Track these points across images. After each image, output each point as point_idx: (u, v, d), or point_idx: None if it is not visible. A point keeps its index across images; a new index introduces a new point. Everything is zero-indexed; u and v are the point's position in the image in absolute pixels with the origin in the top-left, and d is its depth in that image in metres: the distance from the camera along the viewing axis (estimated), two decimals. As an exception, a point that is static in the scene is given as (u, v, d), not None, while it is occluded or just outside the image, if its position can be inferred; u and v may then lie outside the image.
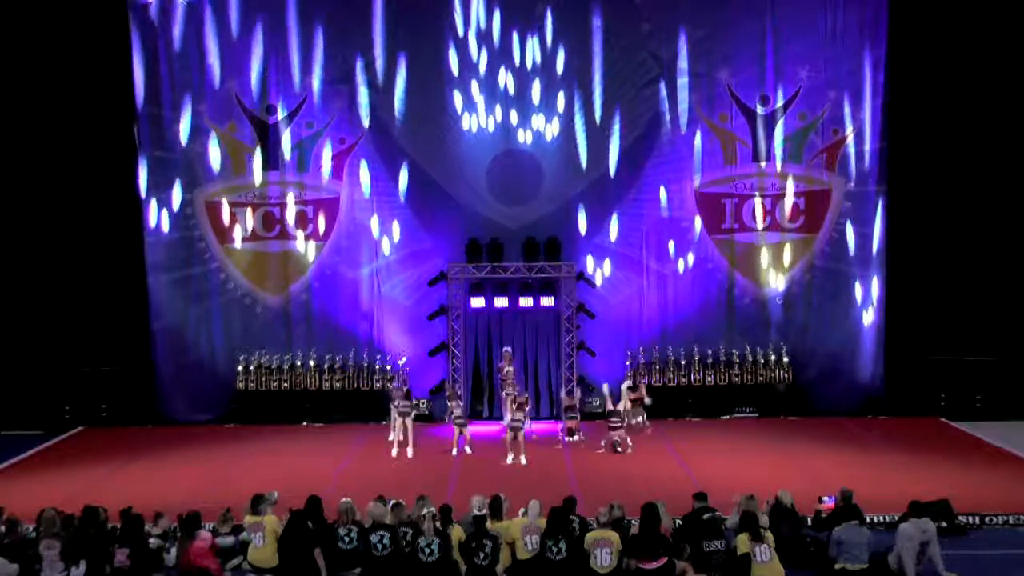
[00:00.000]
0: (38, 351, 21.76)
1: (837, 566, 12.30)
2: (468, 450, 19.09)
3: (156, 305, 21.99)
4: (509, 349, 21.31)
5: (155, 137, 21.79)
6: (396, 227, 22.15)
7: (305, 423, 21.71)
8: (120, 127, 21.61)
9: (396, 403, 19.29)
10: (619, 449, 18.78)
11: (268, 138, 22.03)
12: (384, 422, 21.25)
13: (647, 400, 19.69)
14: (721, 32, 21.82)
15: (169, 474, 17.68)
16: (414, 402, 19.73)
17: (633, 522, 12.60)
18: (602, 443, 19.06)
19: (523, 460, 18.14)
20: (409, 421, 19.06)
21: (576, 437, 19.48)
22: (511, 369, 20.62)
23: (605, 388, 19.93)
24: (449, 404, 19.73)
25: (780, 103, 21.95)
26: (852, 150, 21.92)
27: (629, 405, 19.48)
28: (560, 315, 21.89)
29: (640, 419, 19.51)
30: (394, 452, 18.93)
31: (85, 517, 12.66)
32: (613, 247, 22.16)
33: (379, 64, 21.81)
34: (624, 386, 19.87)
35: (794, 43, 21.79)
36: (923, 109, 21.36)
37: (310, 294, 22.29)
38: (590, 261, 22.13)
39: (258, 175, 21.95)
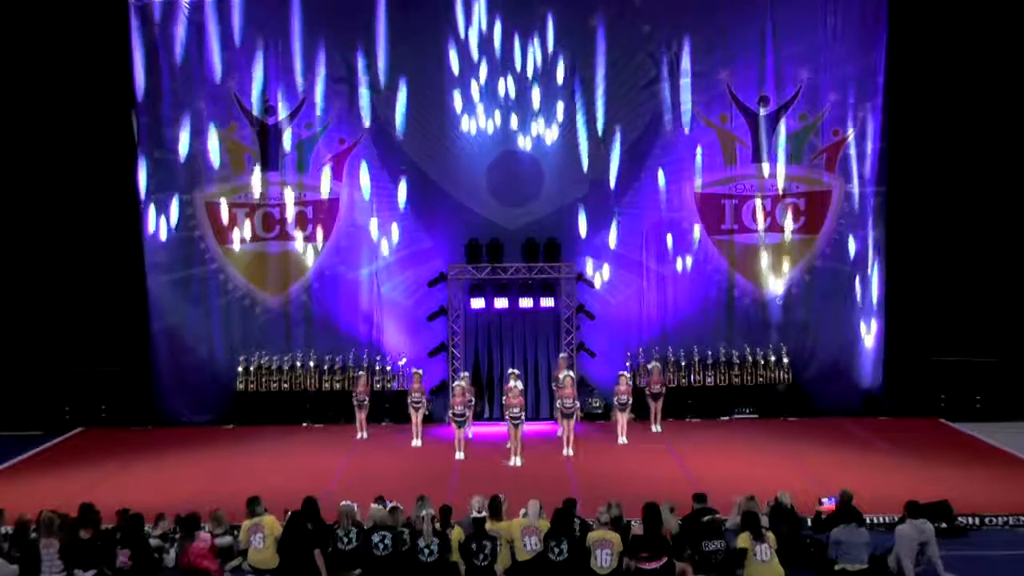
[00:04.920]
0: (38, 352, 21.74)
1: (837, 567, 12.28)
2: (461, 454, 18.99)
3: (156, 306, 22.00)
4: (565, 355, 21.23)
5: (155, 137, 21.81)
6: (396, 228, 22.15)
7: (305, 424, 21.70)
8: (120, 127, 21.62)
9: (410, 397, 19.87)
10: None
11: (268, 139, 22.04)
12: (385, 422, 21.30)
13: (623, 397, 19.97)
14: (721, 33, 21.81)
15: (169, 475, 17.66)
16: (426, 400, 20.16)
17: (633, 522, 12.60)
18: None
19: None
20: (419, 416, 19.65)
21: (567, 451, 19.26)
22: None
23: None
24: (453, 401, 19.68)
25: (780, 104, 21.96)
26: (852, 151, 21.93)
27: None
28: (560, 316, 21.89)
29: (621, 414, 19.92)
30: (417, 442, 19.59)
31: (81, 517, 12.63)
32: (613, 248, 22.15)
33: (379, 65, 21.82)
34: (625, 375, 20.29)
35: (794, 44, 21.80)
36: (923, 110, 21.37)
37: (310, 295, 22.30)
38: (590, 262, 22.14)
39: (257, 181, 21.95)
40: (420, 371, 20.15)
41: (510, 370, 20.18)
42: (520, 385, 19.07)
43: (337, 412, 21.63)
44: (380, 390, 21.52)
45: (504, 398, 19.27)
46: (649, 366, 20.89)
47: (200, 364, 22.19)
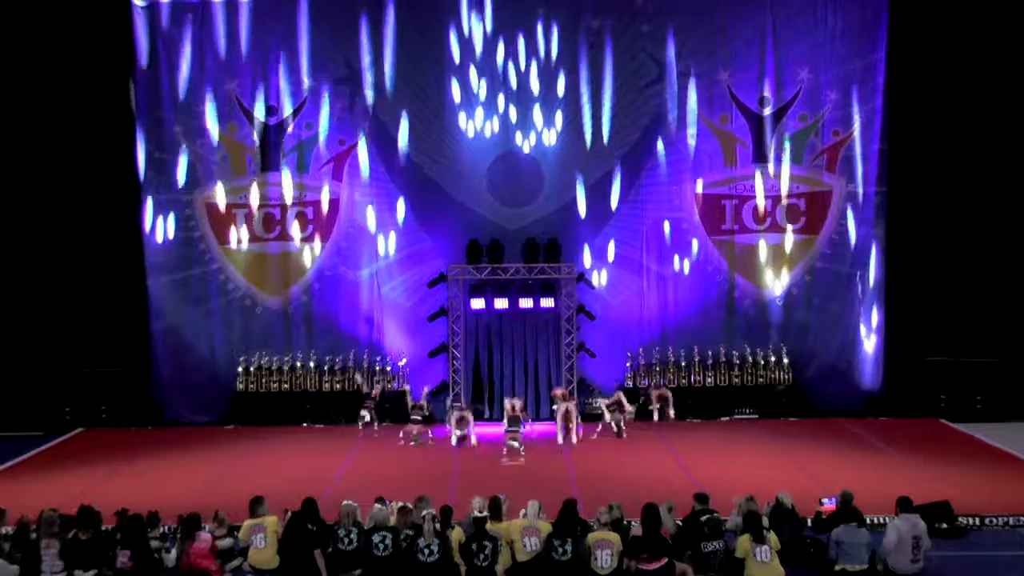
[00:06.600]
0: (38, 352, 21.73)
1: (837, 567, 12.28)
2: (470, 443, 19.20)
3: (156, 306, 22.01)
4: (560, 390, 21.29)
5: (156, 137, 21.81)
6: (396, 228, 22.15)
7: (305, 424, 21.70)
8: (121, 128, 21.61)
9: (412, 415, 20.00)
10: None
11: (268, 139, 22.05)
12: (386, 423, 21.28)
13: (628, 407, 20.17)
14: (721, 33, 21.82)
15: (169, 476, 17.65)
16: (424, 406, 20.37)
17: (633, 523, 12.60)
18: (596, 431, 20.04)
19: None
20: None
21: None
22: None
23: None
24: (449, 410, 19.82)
25: (780, 104, 21.96)
26: (853, 151, 21.94)
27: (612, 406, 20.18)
28: (560, 316, 21.89)
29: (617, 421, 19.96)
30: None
31: (80, 518, 12.63)
32: (613, 249, 22.16)
33: (380, 65, 21.81)
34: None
35: (794, 44, 21.81)
36: (923, 110, 21.38)
37: (310, 295, 22.30)
38: (590, 263, 22.14)
39: (256, 184, 21.96)
40: (428, 388, 20.89)
41: (507, 401, 19.90)
42: (518, 411, 19.26)
43: (337, 412, 21.64)
44: (380, 390, 21.48)
45: (505, 420, 19.41)
46: (654, 395, 21.05)
47: (200, 364, 22.19)
